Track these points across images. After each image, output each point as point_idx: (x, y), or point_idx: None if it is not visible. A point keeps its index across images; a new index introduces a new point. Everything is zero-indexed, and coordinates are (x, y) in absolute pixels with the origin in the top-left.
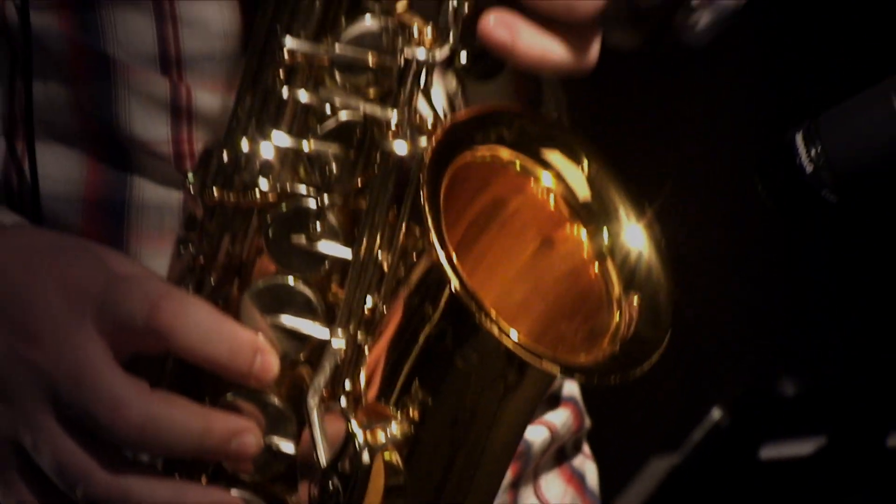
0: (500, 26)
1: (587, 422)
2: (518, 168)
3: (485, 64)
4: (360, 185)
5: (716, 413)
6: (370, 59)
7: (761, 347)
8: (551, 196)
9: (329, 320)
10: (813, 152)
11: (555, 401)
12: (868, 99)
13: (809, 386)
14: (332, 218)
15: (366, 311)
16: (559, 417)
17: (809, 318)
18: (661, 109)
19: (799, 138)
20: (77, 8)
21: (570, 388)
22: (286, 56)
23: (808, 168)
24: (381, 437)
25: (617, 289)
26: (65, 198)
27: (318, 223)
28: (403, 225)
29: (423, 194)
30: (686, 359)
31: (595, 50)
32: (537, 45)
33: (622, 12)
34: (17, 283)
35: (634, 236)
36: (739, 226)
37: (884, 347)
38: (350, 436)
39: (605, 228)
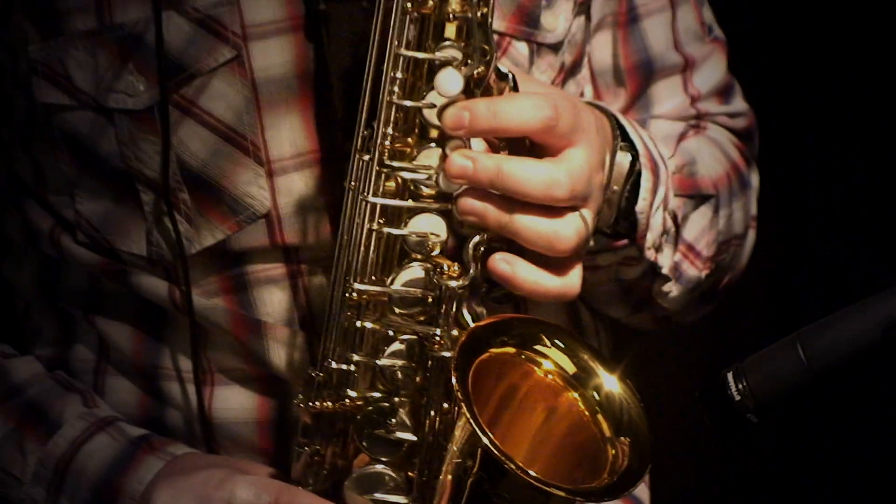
0: (503, 262)
1: None
2: (523, 358)
3: (498, 291)
4: (420, 385)
5: None
6: (417, 293)
7: None
8: (549, 375)
9: (408, 490)
10: (740, 386)
11: None
12: (779, 347)
13: None
14: (402, 413)
15: (433, 481)
16: None
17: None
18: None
19: (729, 376)
20: (236, 292)
21: None
22: (355, 296)
23: (736, 397)
24: None
25: (608, 432)
26: (243, 422)
27: (392, 419)
28: (455, 411)
29: (455, 383)
30: None
31: (577, 282)
32: (531, 276)
33: (612, 285)
34: (181, 490)
35: (613, 387)
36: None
37: None
38: None
39: (592, 389)
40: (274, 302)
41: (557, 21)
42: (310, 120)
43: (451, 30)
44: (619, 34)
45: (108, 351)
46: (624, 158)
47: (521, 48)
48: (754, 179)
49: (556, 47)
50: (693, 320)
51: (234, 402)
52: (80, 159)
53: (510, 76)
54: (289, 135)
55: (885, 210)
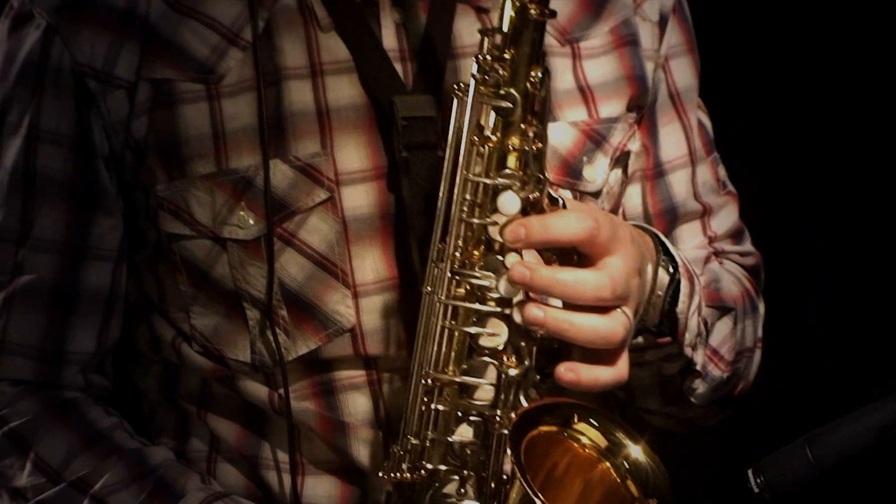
0: (569, 371)
1: None
2: (565, 435)
3: (548, 381)
4: (483, 458)
5: None
6: (482, 381)
7: None
8: (585, 449)
9: None
10: (759, 481)
11: None
12: (791, 449)
13: None
14: (469, 487)
15: None
16: None
17: None
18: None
19: (750, 473)
20: (324, 396)
21: None
22: (431, 382)
23: (756, 490)
24: None
25: (637, 493)
26: None
27: (461, 489)
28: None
29: (510, 453)
30: None
31: (626, 369)
32: (591, 374)
33: (654, 380)
34: None
35: (638, 454)
36: None
37: None
38: None
39: (622, 458)
40: (356, 405)
41: (597, 173)
42: (389, 252)
43: (511, 160)
44: (648, 186)
45: (218, 443)
46: (666, 270)
47: (566, 195)
48: (761, 307)
49: (595, 195)
50: (711, 425)
51: (322, 490)
52: (196, 280)
53: (560, 200)
54: (371, 263)
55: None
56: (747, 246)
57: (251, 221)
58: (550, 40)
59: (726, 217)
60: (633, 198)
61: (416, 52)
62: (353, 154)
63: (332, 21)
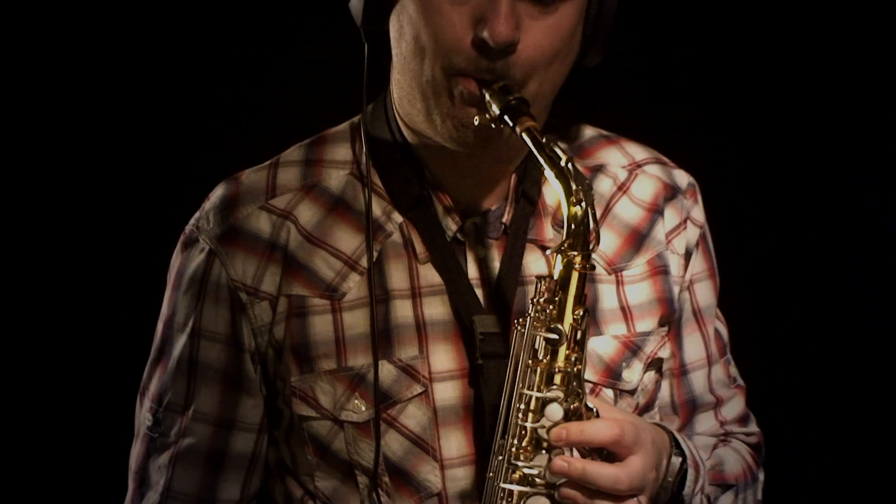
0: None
1: None
2: None
3: None
4: None
5: None
6: None
7: None
8: None
9: None
10: None
11: None
12: None
13: None
14: None
15: None
16: None
17: None
18: None
19: None
20: None
21: None
22: None
23: None
24: None
25: None
26: None
27: None
28: None
29: None
30: None
31: None
32: None
33: None
34: None
35: None
36: None
37: None
38: None
39: None
40: None
41: (633, 376)
42: (469, 434)
43: (557, 378)
44: (675, 382)
45: None
46: (676, 461)
47: (608, 393)
48: (761, 476)
49: (632, 392)
50: None
51: None
52: (319, 452)
53: (595, 409)
54: (455, 443)
55: None
56: (752, 427)
57: (363, 408)
58: (600, 269)
59: (735, 406)
60: (664, 391)
61: (491, 281)
62: (443, 358)
63: (428, 255)
